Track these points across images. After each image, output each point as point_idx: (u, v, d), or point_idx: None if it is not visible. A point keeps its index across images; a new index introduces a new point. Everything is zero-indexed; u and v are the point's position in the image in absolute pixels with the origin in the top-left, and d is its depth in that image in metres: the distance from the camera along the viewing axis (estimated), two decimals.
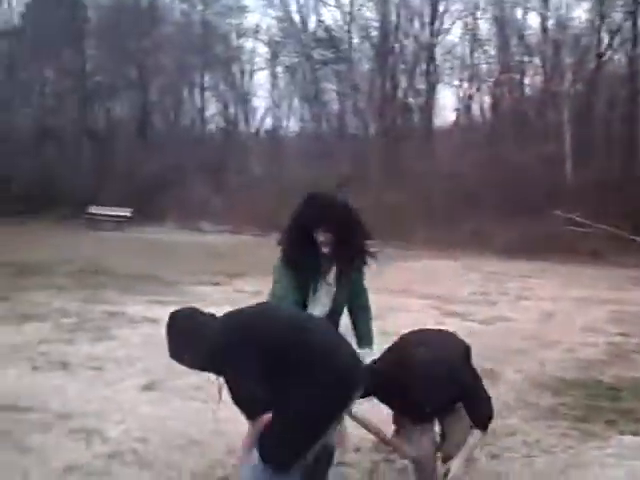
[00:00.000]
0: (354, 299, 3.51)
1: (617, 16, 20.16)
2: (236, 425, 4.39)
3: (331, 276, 3.38)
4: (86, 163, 24.01)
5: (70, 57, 25.81)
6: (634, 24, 19.33)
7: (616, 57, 20.81)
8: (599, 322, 8.65)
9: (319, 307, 3.39)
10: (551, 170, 18.46)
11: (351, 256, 3.37)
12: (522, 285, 11.58)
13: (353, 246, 3.36)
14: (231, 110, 27.41)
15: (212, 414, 4.28)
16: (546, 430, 4.66)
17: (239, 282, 10.74)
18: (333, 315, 3.44)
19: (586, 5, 20.86)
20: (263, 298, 3.42)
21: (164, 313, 6.74)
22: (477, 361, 6.28)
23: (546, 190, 17.09)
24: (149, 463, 3.89)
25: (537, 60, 22.17)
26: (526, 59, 22.25)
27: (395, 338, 3.59)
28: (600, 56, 20.52)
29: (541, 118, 21.29)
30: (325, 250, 3.29)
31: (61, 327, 7.05)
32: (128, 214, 20.97)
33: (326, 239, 3.27)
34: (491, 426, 4.67)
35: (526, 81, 22.83)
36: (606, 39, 20.46)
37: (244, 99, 27.05)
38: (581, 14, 22.52)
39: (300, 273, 3.30)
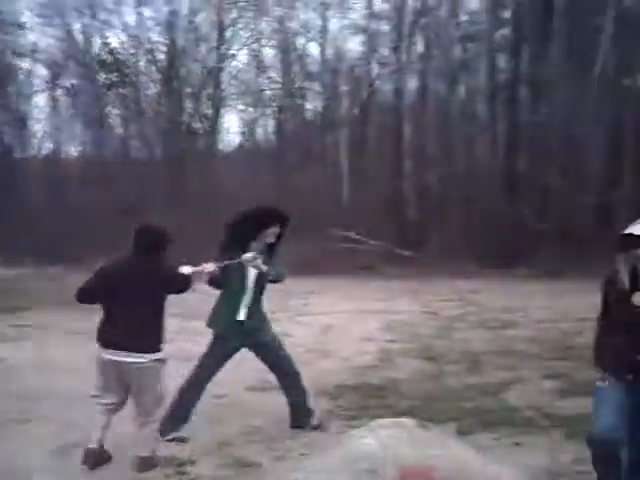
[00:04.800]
0: (275, 266, 5.45)
1: (384, 51, 22.20)
2: None
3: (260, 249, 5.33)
4: None
5: None
6: (398, 59, 21.32)
7: (386, 87, 22.67)
8: (372, 331, 9.58)
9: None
10: (330, 191, 19.73)
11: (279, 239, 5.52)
12: (302, 301, 12.30)
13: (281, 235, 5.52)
14: (6, 135, 25.86)
15: None
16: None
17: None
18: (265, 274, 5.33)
19: (359, 39, 22.69)
20: None
21: None
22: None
23: (325, 210, 18.26)
24: None
25: (317, 86, 23.59)
26: (307, 85, 23.60)
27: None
28: (371, 85, 22.44)
29: (321, 142, 22.64)
30: (272, 240, 5.43)
31: None
32: None
33: (275, 232, 5.43)
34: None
35: (307, 106, 24.24)
36: (376, 70, 22.43)
37: (21, 123, 25.66)
38: (355, 46, 24.22)
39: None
